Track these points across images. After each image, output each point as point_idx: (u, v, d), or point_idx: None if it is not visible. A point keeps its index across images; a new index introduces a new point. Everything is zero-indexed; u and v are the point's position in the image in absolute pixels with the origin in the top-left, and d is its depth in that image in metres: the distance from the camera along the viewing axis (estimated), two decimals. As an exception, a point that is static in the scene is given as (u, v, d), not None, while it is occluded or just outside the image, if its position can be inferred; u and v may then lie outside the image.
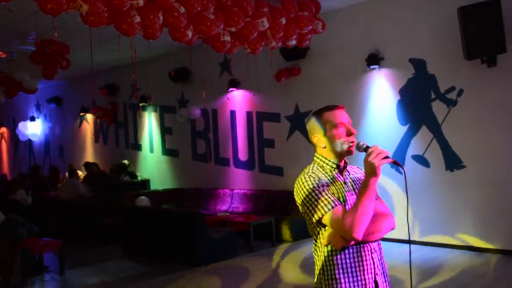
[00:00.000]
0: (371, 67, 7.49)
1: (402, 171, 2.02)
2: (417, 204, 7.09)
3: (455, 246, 6.79)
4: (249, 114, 9.57)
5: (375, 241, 2.14)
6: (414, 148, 7.20)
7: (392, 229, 2.17)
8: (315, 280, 2.17)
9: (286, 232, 8.02)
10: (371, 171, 2.00)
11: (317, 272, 2.17)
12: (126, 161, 11.86)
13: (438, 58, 6.88)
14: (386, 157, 2.01)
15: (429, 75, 7.01)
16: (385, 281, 2.16)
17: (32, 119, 15.07)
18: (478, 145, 6.57)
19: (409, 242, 2.11)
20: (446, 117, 6.86)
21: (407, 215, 2.25)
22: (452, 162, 6.83)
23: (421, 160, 7.14)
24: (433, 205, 7.01)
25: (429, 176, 7.06)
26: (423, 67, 7.05)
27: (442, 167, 6.93)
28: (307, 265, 6.46)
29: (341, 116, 2.17)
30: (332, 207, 2.03)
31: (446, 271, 5.87)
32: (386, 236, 2.29)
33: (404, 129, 7.31)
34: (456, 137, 6.79)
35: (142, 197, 9.13)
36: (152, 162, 11.70)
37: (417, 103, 7.17)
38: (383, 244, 2.23)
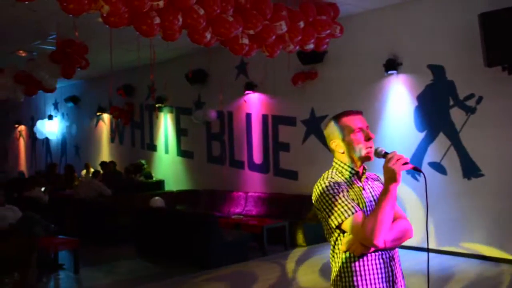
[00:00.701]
0: (389, 72, 7.43)
1: (418, 178, 2.00)
2: (433, 212, 7.00)
3: (471, 256, 6.69)
4: (264, 117, 9.56)
5: (394, 248, 2.11)
6: (431, 155, 7.13)
7: (411, 237, 2.14)
8: (331, 286, 2.15)
9: (299, 237, 7.99)
10: (391, 177, 1.98)
11: (334, 278, 2.15)
12: (143, 161, 11.94)
13: (458, 64, 6.81)
14: (406, 163, 1.99)
15: (448, 81, 6.93)
16: None
17: (50, 117, 15.25)
18: (497, 153, 6.48)
19: (427, 250, 2.07)
20: (465, 124, 6.78)
21: (426, 222, 2.23)
22: (470, 170, 6.74)
23: (438, 167, 7.06)
24: (449, 214, 6.93)
25: (446, 184, 6.97)
26: (442, 74, 6.98)
27: (460, 175, 6.84)
28: (320, 270, 6.42)
29: (359, 121, 2.16)
30: (352, 213, 2.01)
31: (462, 281, 5.79)
32: (405, 243, 2.26)
33: (421, 135, 7.24)
34: (474, 145, 6.70)
35: (157, 197, 9.16)
36: (167, 163, 11.76)
37: (435, 109, 7.09)
38: (401, 251, 2.21)
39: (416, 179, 7.12)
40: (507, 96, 6.37)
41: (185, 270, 6.70)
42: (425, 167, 7.15)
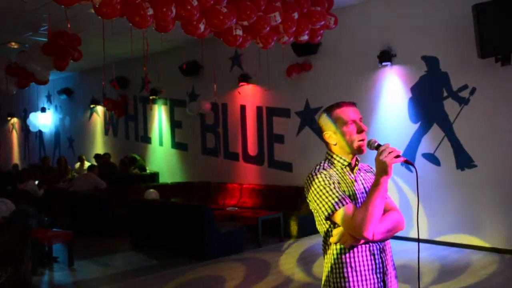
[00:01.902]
0: (383, 64, 7.43)
1: (413, 169, 1.99)
2: (427, 203, 7.05)
3: (465, 246, 6.75)
4: (259, 109, 9.55)
5: (384, 240, 2.12)
6: (425, 146, 7.15)
7: (402, 229, 2.15)
8: (323, 277, 2.16)
9: (294, 228, 8.02)
10: (383, 170, 1.97)
11: (325, 269, 2.15)
12: (137, 156, 11.90)
13: (451, 55, 6.82)
14: (398, 156, 1.98)
15: (442, 72, 6.94)
16: (394, 281, 2.15)
17: (43, 110, 15.16)
18: (490, 144, 6.51)
19: (418, 241, 2.09)
20: (458, 116, 6.80)
21: (417, 214, 2.22)
22: (463, 161, 6.77)
23: (431, 158, 7.09)
24: (443, 204, 6.97)
25: (439, 175, 7.01)
26: (436, 65, 6.99)
27: (453, 166, 6.88)
28: (314, 261, 6.45)
29: (352, 113, 2.14)
30: (343, 205, 2.01)
31: (455, 271, 5.83)
32: (397, 234, 2.27)
33: (415, 127, 7.26)
34: (467, 136, 6.73)
35: (151, 190, 9.14)
36: (162, 155, 11.73)
37: (429, 101, 7.11)
38: (394, 242, 2.21)
39: (410, 170, 7.15)
40: (500, 87, 6.40)
41: (180, 262, 6.71)
42: (419, 158, 7.18)
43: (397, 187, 7.19)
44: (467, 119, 6.72)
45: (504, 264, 6.04)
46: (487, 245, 6.57)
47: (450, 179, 6.91)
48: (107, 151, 12.97)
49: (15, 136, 17.23)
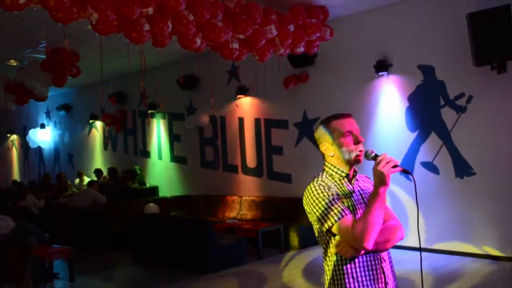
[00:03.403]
0: (380, 73, 7.48)
1: (411, 178, 2.00)
2: (426, 211, 7.04)
3: (465, 254, 6.72)
4: (257, 121, 9.58)
5: (384, 250, 2.12)
6: (423, 155, 7.17)
7: (402, 239, 2.15)
8: (326, 288, 2.17)
9: (294, 239, 8.00)
10: (381, 180, 1.98)
11: (326, 281, 2.16)
12: (137, 167, 11.91)
13: (447, 64, 6.86)
14: (396, 166, 1.99)
15: (438, 81, 6.98)
16: None
17: (42, 126, 15.18)
18: (488, 152, 6.53)
19: (419, 250, 2.09)
20: (456, 124, 6.83)
21: (418, 223, 2.23)
22: (462, 169, 6.78)
23: (430, 167, 7.10)
24: (442, 213, 6.96)
25: (438, 183, 7.01)
26: (432, 74, 7.03)
27: (452, 174, 6.88)
28: (315, 273, 6.43)
29: (348, 124, 2.16)
30: (342, 216, 2.02)
31: (456, 280, 5.81)
32: (398, 244, 2.28)
33: (413, 135, 7.28)
34: (465, 144, 6.75)
35: (151, 204, 9.15)
36: (161, 169, 11.74)
37: (426, 109, 7.14)
38: (394, 251, 2.22)
39: (409, 179, 7.15)
40: (496, 94, 6.43)
41: (181, 275, 6.69)
42: (417, 167, 7.19)
43: (396, 196, 7.19)
44: (464, 127, 6.75)
45: (504, 272, 6.02)
46: (486, 253, 6.56)
47: (449, 187, 6.92)
48: (107, 166, 12.99)
49: (15, 153, 17.24)
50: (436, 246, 7.01)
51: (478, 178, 6.63)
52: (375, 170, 2.00)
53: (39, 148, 15.53)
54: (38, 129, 15.03)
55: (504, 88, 6.35)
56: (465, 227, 6.78)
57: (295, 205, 8.27)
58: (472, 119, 6.67)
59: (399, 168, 2.01)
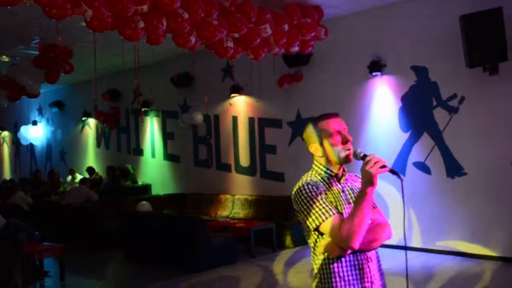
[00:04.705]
0: (373, 74, 7.50)
1: (403, 177, 2.01)
2: (418, 211, 7.09)
3: (456, 253, 6.77)
4: (251, 120, 9.58)
5: (371, 250, 2.14)
6: (416, 155, 7.20)
7: (389, 238, 2.17)
8: (313, 287, 2.18)
9: (287, 238, 8.01)
10: (368, 180, 1.99)
11: (315, 279, 2.18)
12: (129, 166, 11.88)
13: (440, 65, 6.90)
14: (384, 166, 2.00)
15: (431, 82, 7.02)
16: None
17: (35, 123, 15.08)
18: (480, 152, 6.58)
19: (405, 248, 2.11)
20: (448, 125, 6.87)
21: (404, 224, 2.24)
22: (453, 169, 6.83)
23: (422, 167, 7.14)
24: (434, 212, 7.01)
25: (430, 183, 7.05)
26: (425, 74, 7.07)
27: (443, 174, 6.93)
28: (307, 271, 6.45)
29: (336, 124, 2.16)
30: (330, 216, 2.03)
31: (447, 279, 5.85)
32: (387, 242, 2.29)
33: (405, 136, 7.32)
34: (457, 144, 6.80)
35: (144, 202, 9.10)
36: (154, 167, 11.71)
37: (418, 110, 7.18)
38: (384, 250, 2.23)
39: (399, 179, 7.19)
40: (488, 96, 6.48)
41: (173, 274, 6.68)
42: (409, 167, 7.23)
43: (387, 196, 7.22)
44: (456, 128, 6.79)
45: (493, 271, 6.07)
46: (479, 252, 6.60)
47: (440, 187, 6.96)
48: (99, 163, 12.94)
49: (6, 150, 17.12)
50: (428, 246, 7.05)
51: (469, 178, 6.68)
52: (363, 170, 2.00)
53: (31, 145, 15.44)
54: (30, 126, 14.93)
55: (496, 90, 6.40)
56: (455, 226, 6.82)
57: (288, 204, 8.28)
58: (464, 120, 6.72)
59: (387, 169, 2.01)
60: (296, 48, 6.71)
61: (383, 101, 7.57)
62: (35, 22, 7.06)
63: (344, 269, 2.08)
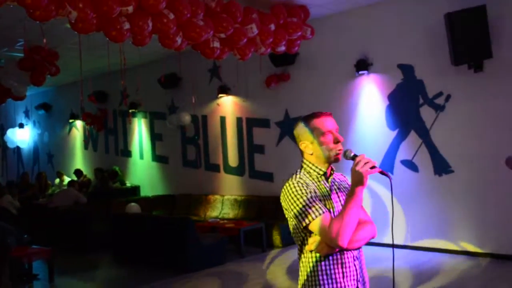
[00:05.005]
0: (360, 72, 7.54)
1: (392, 175, 2.03)
2: (407, 209, 7.13)
3: (445, 250, 6.83)
4: (239, 120, 9.58)
5: (357, 248, 2.16)
6: (403, 153, 7.25)
7: (373, 237, 2.19)
8: (299, 285, 2.19)
9: (276, 238, 8.03)
10: (358, 181, 2.00)
11: (301, 277, 2.19)
12: (117, 168, 11.82)
13: (426, 63, 6.95)
14: (373, 167, 2.01)
15: (417, 80, 7.07)
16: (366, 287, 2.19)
17: (21, 126, 14.94)
18: (466, 149, 6.64)
19: (392, 246, 2.14)
20: (434, 122, 6.93)
21: (392, 222, 2.25)
22: (441, 166, 6.89)
23: (410, 165, 7.19)
24: (422, 210, 7.06)
25: (418, 181, 7.11)
26: (411, 73, 7.12)
27: (431, 171, 6.98)
28: (296, 271, 6.45)
29: (328, 123, 2.18)
30: (320, 214, 2.04)
31: (437, 275, 5.90)
32: (374, 241, 2.31)
33: (393, 134, 7.37)
34: (444, 142, 6.86)
35: (132, 203, 9.08)
36: (142, 168, 11.66)
37: (405, 108, 7.23)
38: (372, 248, 2.26)
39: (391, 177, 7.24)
40: (474, 93, 6.54)
41: (163, 275, 6.66)
42: (397, 165, 7.28)
43: (375, 193, 7.27)
44: (443, 125, 6.85)
45: (481, 268, 6.13)
46: (464, 249, 6.67)
47: (428, 185, 7.01)
48: (87, 165, 12.86)
49: (-8, 153, 16.93)
50: (415, 243, 7.10)
51: (456, 175, 6.74)
52: (353, 170, 2.02)
53: (18, 148, 15.29)
54: (16, 129, 14.78)
55: (481, 87, 6.46)
56: (443, 224, 6.88)
57: (277, 204, 8.23)
58: (450, 117, 6.77)
59: (377, 169, 2.03)
60: (282, 48, 6.73)
61: (370, 100, 7.61)
62: (19, 24, 6.99)
63: (332, 267, 2.10)
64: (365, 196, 2.20)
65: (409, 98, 7.16)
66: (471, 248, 6.63)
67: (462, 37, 6.23)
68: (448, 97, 6.78)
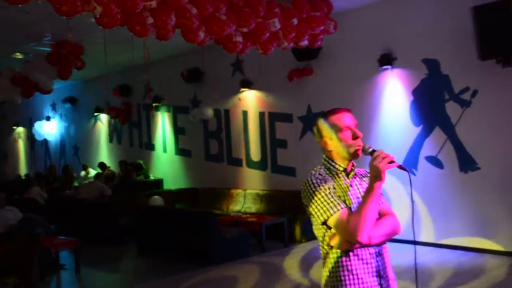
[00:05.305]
0: (384, 67, 7.45)
1: (415, 172, 2.02)
2: (431, 206, 7.04)
3: (470, 248, 6.72)
4: (261, 115, 9.59)
5: (381, 244, 2.14)
6: (428, 149, 7.15)
7: (397, 233, 2.17)
8: (323, 281, 2.20)
9: (298, 233, 8.03)
10: (376, 175, 2.00)
11: (324, 273, 2.19)
12: (141, 161, 11.99)
13: (452, 58, 6.83)
14: (392, 162, 2.01)
15: (443, 75, 6.95)
16: (391, 284, 2.16)
17: (48, 119, 15.27)
18: (493, 146, 6.51)
19: (414, 243, 2.11)
20: (460, 118, 6.80)
21: (412, 219, 2.24)
22: (466, 163, 6.77)
23: (434, 161, 7.09)
24: (447, 207, 6.96)
25: (442, 178, 7.00)
26: (437, 68, 7.00)
27: (456, 168, 6.87)
28: (318, 266, 6.46)
29: (347, 119, 2.18)
30: (338, 210, 2.05)
31: (462, 274, 5.82)
32: (398, 237, 2.29)
33: (417, 130, 7.27)
34: (470, 138, 6.73)
35: (156, 196, 9.20)
36: (166, 161, 11.79)
37: (430, 104, 7.12)
38: (395, 245, 2.24)
39: (413, 173, 7.17)
40: (501, 88, 6.40)
41: (185, 268, 6.74)
42: (421, 161, 7.18)
43: (399, 190, 7.19)
44: (469, 122, 6.72)
45: (509, 267, 6.01)
46: (493, 247, 6.55)
47: (453, 182, 6.90)
48: (112, 158, 13.06)
49: (21, 145, 17.35)
50: (441, 241, 7.01)
51: (482, 173, 6.62)
52: (371, 165, 2.02)
53: (45, 140, 15.63)
54: (44, 122, 15.11)
55: (509, 82, 6.31)
56: (469, 221, 6.77)
57: (299, 199, 8.17)
58: (476, 113, 6.64)
59: (395, 164, 2.03)
60: (305, 42, 6.68)
61: (394, 95, 7.52)
62: (46, 19, 7.13)
63: (353, 263, 2.09)
64: (384, 192, 2.19)
65: (434, 93, 7.04)
66: (496, 246, 6.50)
67: (489, 31, 6.09)
68: (474, 93, 6.65)
